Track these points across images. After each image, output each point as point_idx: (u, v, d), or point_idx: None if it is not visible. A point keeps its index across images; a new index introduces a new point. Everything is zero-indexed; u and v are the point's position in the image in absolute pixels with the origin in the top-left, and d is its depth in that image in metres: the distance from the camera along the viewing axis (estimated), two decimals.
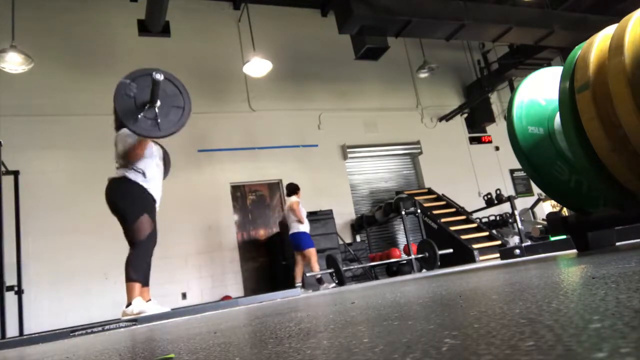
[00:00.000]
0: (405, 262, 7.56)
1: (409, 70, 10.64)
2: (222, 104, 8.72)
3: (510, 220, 9.07)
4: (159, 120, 3.27)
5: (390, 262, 7.61)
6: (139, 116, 3.21)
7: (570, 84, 2.29)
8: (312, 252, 6.46)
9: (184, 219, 7.68)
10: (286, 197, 6.94)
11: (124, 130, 3.61)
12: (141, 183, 3.55)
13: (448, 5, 8.09)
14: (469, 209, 9.28)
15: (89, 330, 2.99)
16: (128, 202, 3.50)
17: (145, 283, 3.50)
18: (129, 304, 3.34)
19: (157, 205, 3.70)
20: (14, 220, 5.93)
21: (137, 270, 3.40)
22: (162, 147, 4.10)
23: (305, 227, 6.55)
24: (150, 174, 3.61)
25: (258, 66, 7.63)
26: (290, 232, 6.56)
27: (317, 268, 6.43)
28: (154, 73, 3.12)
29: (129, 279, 3.38)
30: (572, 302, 0.66)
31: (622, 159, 2.09)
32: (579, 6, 9.48)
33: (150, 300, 3.50)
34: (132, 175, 3.54)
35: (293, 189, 6.83)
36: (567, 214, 2.87)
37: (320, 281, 6.46)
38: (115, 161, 3.67)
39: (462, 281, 1.78)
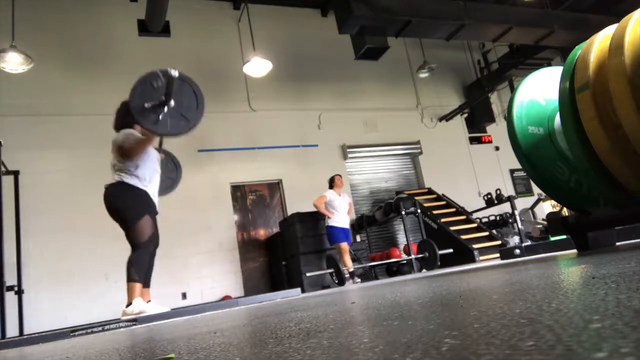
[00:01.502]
0: (405, 262, 7.56)
1: (409, 70, 10.64)
2: (222, 104, 8.71)
3: (510, 220, 9.06)
4: (164, 118, 3.26)
5: (390, 262, 7.61)
6: (146, 105, 3.22)
7: (570, 84, 2.28)
8: (339, 246, 6.53)
9: (184, 219, 7.68)
10: None
11: (126, 130, 3.60)
12: (139, 186, 3.54)
13: (448, 5, 8.08)
14: (469, 209, 9.28)
15: (89, 330, 2.99)
16: (128, 205, 3.50)
17: (146, 284, 3.50)
18: (129, 304, 3.34)
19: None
20: (14, 220, 5.93)
21: (139, 271, 3.40)
22: (175, 161, 4.08)
23: (334, 221, 6.54)
24: (147, 177, 3.60)
25: (258, 66, 7.63)
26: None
27: (347, 263, 6.46)
28: (169, 69, 3.17)
29: (130, 279, 3.38)
30: (572, 302, 0.66)
31: (622, 159, 2.09)
32: (579, 6, 9.49)
33: (150, 301, 3.51)
34: (129, 179, 3.52)
35: (329, 182, 6.88)
36: (567, 214, 2.87)
37: (351, 275, 6.49)
38: (111, 167, 3.64)
39: (462, 281, 1.78)
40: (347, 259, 6.49)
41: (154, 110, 3.24)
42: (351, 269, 6.51)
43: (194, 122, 3.43)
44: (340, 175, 6.97)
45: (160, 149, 3.95)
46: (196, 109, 3.45)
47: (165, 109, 3.26)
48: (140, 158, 3.56)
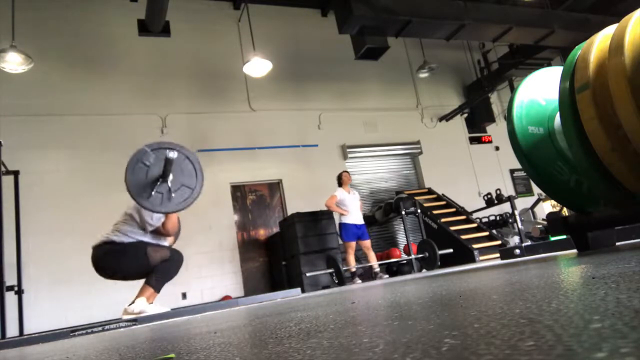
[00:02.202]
0: (405, 262, 7.56)
1: (409, 70, 10.64)
2: (222, 104, 8.72)
3: (510, 220, 9.06)
4: (172, 195, 3.24)
5: (390, 262, 7.61)
6: (150, 191, 3.18)
7: (570, 84, 2.29)
8: (347, 245, 6.62)
9: (184, 219, 7.64)
10: None
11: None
12: (131, 240, 3.55)
13: (448, 5, 8.08)
14: (469, 209, 9.27)
15: (89, 330, 2.99)
16: (128, 261, 3.49)
17: (158, 291, 3.54)
18: (132, 302, 3.37)
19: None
20: (14, 220, 5.93)
21: (159, 281, 3.43)
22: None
23: (347, 218, 6.61)
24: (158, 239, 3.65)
25: (258, 66, 7.62)
26: None
27: (350, 262, 6.54)
28: (167, 151, 3.12)
29: (148, 282, 3.42)
30: (572, 302, 0.66)
31: (622, 159, 2.09)
32: (579, 6, 9.48)
33: (152, 303, 3.52)
34: (126, 238, 3.55)
35: (337, 180, 6.94)
36: (567, 214, 2.87)
37: (353, 275, 6.60)
38: (124, 220, 3.61)
39: (462, 281, 1.78)
40: (351, 258, 6.53)
41: (157, 190, 3.20)
42: (354, 269, 6.53)
43: (198, 190, 3.40)
44: (347, 172, 7.01)
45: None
46: (196, 178, 3.40)
47: (167, 184, 3.22)
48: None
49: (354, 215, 6.67)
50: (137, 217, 3.56)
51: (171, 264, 3.50)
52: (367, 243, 6.75)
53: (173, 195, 3.23)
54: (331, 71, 9.73)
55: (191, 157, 3.39)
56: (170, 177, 3.22)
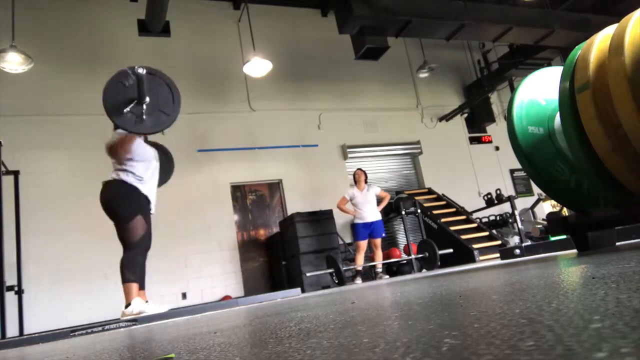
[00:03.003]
0: (405, 262, 7.56)
1: (409, 70, 10.64)
2: (222, 104, 8.72)
3: (510, 220, 9.06)
4: (144, 117, 3.27)
5: (390, 262, 7.61)
6: (125, 110, 3.23)
7: (570, 84, 2.28)
8: (356, 244, 6.62)
9: (184, 219, 7.69)
10: None
11: (119, 129, 3.60)
12: (134, 184, 3.54)
13: (448, 5, 8.08)
14: (469, 209, 9.27)
15: (89, 330, 2.99)
16: (121, 203, 3.50)
17: (141, 286, 3.49)
18: (127, 305, 3.34)
19: (153, 208, 3.69)
20: (14, 220, 5.93)
21: (133, 271, 3.39)
22: (164, 150, 4.10)
23: (358, 218, 6.58)
24: (144, 175, 3.60)
25: (258, 66, 7.62)
26: None
27: (357, 262, 6.53)
28: (136, 67, 3.19)
29: (125, 280, 3.38)
30: (572, 302, 0.66)
31: (622, 159, 2.09)
32: (579, 6, 9.48)
33: (147, 302, 3.50)
34: (125, 176, 3.54)
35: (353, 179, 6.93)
36: (567, 214, 2.87)
37: (357, 274, 6.61)
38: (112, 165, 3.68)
39: (462, 281, 1.78)
40: (360, 258, 6.53)
41: (130, 110, 3.24)
42: (359, 268, 6.54)
43: (174, 115, 3.43)
44: (360, 169, 6.89)
45: (147, 142, 3.93)
46: (172, 102, 3.44)
47: (142, 107, 3.26)
48: (130, 155, 3.55)
49: (366, 213, 6.53)
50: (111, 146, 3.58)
51: (136, 252, 3.46)
52: (376, 241, 6.65)
53: (145, 117, 3.26)
54: (331, 71, 9.73)
55: (170, 84, 3.45)
56: (147, 100, 3.27)
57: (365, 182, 6.77)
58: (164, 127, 3.39)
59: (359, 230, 6.54)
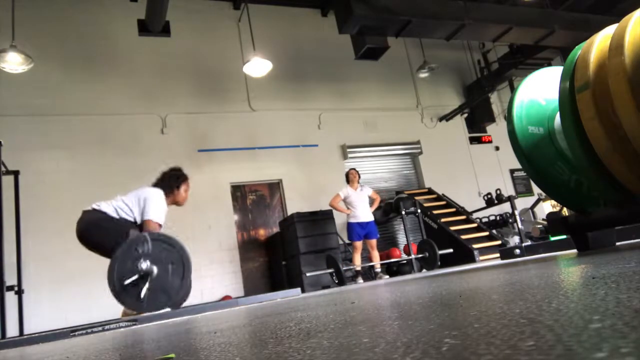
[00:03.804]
0: (405, 262, 7.56)
1: (409, 70, 10.64)
2: (222, 104, 8.72)
3: (510, 220, 9.06)
4: (144, 297, 3.13)
5: (390, 262, 7.61)
6: (127, 283, 3.10)
7: (570, 84, 2.29)
8: (353, 245, 6.63)
9: (184, 219, 7.68)
10: None
11: (158, 192, 3.63)
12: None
13: (448, 5, 8.08)
14: (469, 209, 9.27)
15: (89, 330, 2.99)
16: (108, 236, 3.48)
17: None
18: None
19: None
20: (14, 220, 5.93)
21: None
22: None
23: (352, 217, 6.60)
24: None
25: (258, 66, 7.62)
26: None
27: (356, 262, 6.54)
28: (143, 262, 3.04)
29: None
30: (572, 302, 0.66)
31: (622, 159, 2.09)
32: (579, 6, 9.48)
33: None
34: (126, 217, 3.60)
35: (346, 177, 6.92)
36: (567, 214, 2.87)
37: (357, 274, 6.64)
38: (123, 202, 3.64)
39: (462, 281, 1.78)
40: (357, 258, 6.53)
41: (134, 285, 3.09)
42: (358, 268, 6.54)
43: (179, 297, 3.27)
44: (354, 169, 6.92)
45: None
46: (181, 280, 3.24)
47: (146, 283, 3.09)
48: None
49: (360, 212, 6.59)
50: (138, 209, 3.56)
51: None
52: (372, 242, 6.70)
53: (144, 297, 3.12)
54: (331, 71, 9.73)
55: (185, 262, 3.24)
56: (155, 271, 3.13)
57: (358, 182, 6.82)
58: (159, 309, 3.21)
59: (354, 229, 6.56)
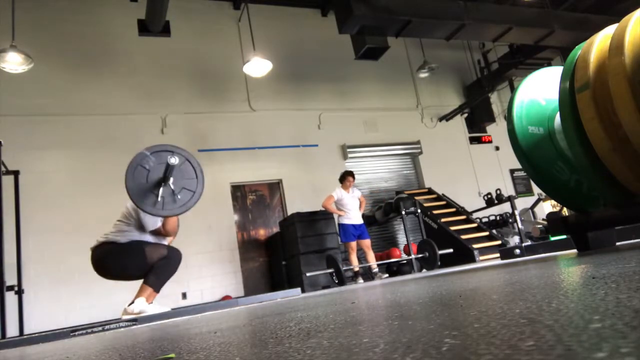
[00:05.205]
0: (405, 262, 7.56)
1: (409, 70, 10.64)
2: (222, 104, 8.72)
3: (510, 220, 9.06)
4: (169, 199, 3.21)
5: (390, 262, 7.61)
6: (151, 195, 3.15)
7: (570, 84, 2.29)
8: (348, 245, 6.65)
9: (184, 219, 7.65)
10: None
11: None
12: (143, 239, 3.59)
13: (448, 5, 8.08)
14: (469, 209, 9.27)
15: (89, 330, 2.99)
16: (127, 259, 3.49)
17: (157, 291, 3.54)
18: (131, 303, 3.37)
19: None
20: (14, 220, 5.93)
21: (158, 280, 3.44)
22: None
23: (345, 218, 6.65)
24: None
25: (258, 66, 7.62)
26: None
27: (353, 262, 6.57)
28: (169, 156, 3.08)
29: (146, 282, 3.42)
30: (572, 302, 0.66)
31: (622, 159, 2.09)
32: (579, 6, 9.49)
33: (151, 302, 3.52)
34: (138, 237, 3.58)
35: (340, 178, 6.94)
36: (567, 214, 2.87)
37: (356, 275, 6.66)
38: (123, 222, 3.62)
39: (462, 281, 1.78)
40: (354, 258, 6.55)
41: (154, 192, 3.15)
42: (356, 269, 6.55)
43: (200, 191, 3.38)
44: (352, 175, 6.91)
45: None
46: (196, 178, 3.38)
47: (169, 188, 3.19)
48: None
49: (353, 214, 6.67)
50: (136, 218, 3.56)
51: (169, 262, 3.51)
52: (366, 242, 6.76)
53: (177, 197, 3.21)
54: (331, 71, 9.73)
55: (191, 160, 3.37)
56: (171, 180, 3.20)
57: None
58: (190, 206, 3.32)
59: (349, 230, 6.60)
